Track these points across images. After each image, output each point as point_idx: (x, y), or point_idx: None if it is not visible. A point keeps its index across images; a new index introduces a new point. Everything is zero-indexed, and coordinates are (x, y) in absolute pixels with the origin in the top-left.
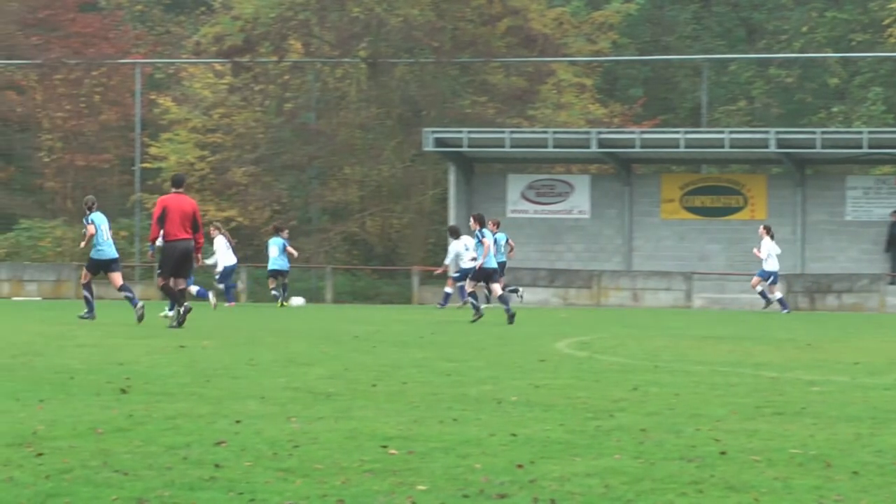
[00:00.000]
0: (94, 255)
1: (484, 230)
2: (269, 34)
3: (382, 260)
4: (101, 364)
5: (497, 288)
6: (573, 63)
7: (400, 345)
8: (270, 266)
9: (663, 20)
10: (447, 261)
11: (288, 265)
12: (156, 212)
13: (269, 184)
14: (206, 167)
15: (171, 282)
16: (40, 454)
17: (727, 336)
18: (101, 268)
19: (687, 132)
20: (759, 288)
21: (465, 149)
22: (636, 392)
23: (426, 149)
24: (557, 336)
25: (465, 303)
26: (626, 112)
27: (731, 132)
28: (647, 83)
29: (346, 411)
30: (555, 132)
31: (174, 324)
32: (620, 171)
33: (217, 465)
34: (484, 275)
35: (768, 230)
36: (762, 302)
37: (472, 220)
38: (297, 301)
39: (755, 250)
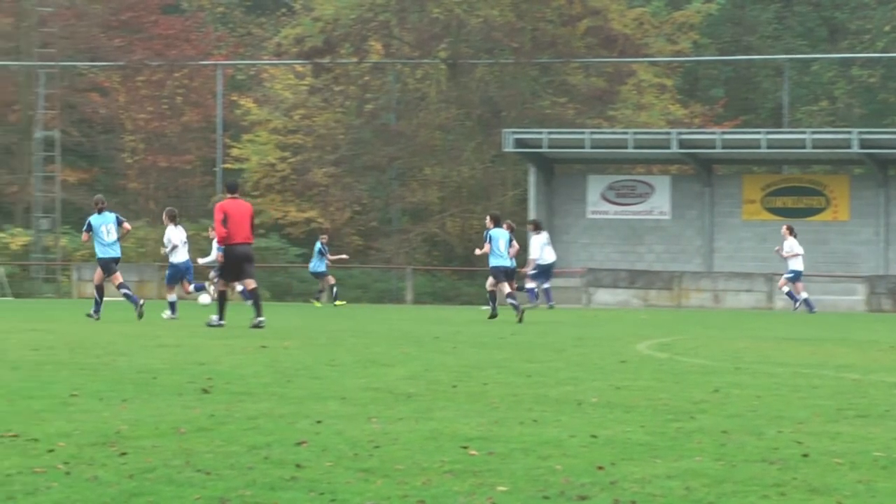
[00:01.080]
0: (101, 254)
1: (498, 229)
2: (349, 35)
3: (462, 261)
4: (184, 364)
5: (506, 287)
6: (654, 63)
7: (480, 346)
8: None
9: (745, 20)
10: (532, 256)
11: (325, 267)
12: (218, 217)
13: (350, 185)
14: (286, 168)
15: (238, 285)
16: (124, 453)
17: (809, 338)
18: (107, 267)
19: (768, 133)
20: (785, 289)
21: (545, 150)
22: (717, 394)
23: (506, 150)
24: (638, 337)
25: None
26: (707, 112)
27: (813, 133)
28: (729, 83)
29: (427, 412)
30: (635, 133)
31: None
32: (701, 171)
33: (298, 465)
34: (501, 274)
35: (791, 230)
36: (809, 305)
37: (488, 218)
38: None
39: (777, 249)
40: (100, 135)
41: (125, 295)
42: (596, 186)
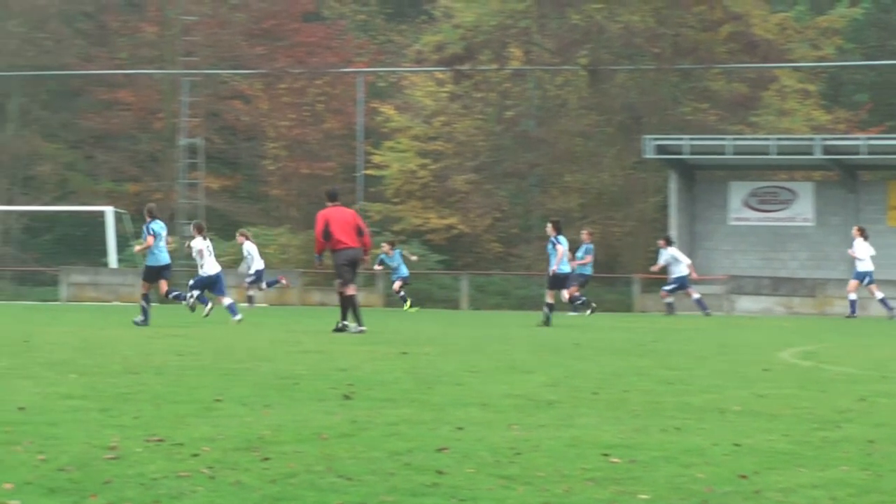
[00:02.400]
0: (150, 262)
1: (560, 237)
2: (489, 42)
3: (603, 267)
4: (326, 370)
5: (566, 294)
6: (797, 69)
7: (621, 353)
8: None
9: (890, 24)
10: (660, 264)
11: (407, 272)
12: (318, 226)
13: (490, 191)
14: (427, 175)
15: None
16: (267, 458)
17: None
18: (157, 274)
19: None
20: (878, 294)
21: (686, 156)
22: (863, 403)
23: (647, 156)
24: (781, 345)
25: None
26: (852, 118)
27: None
28: (874, 88)
29: (568, 419)
30: (778, 139)
31: (340, 327)
32: (845, 178)
33: (439, 472)
34: (557, 281)
35: (861, 231)
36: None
37: (549, 225)
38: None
39: (850, 252)
40: (242, 142)
41: (175, 297)
42: (738, 193)
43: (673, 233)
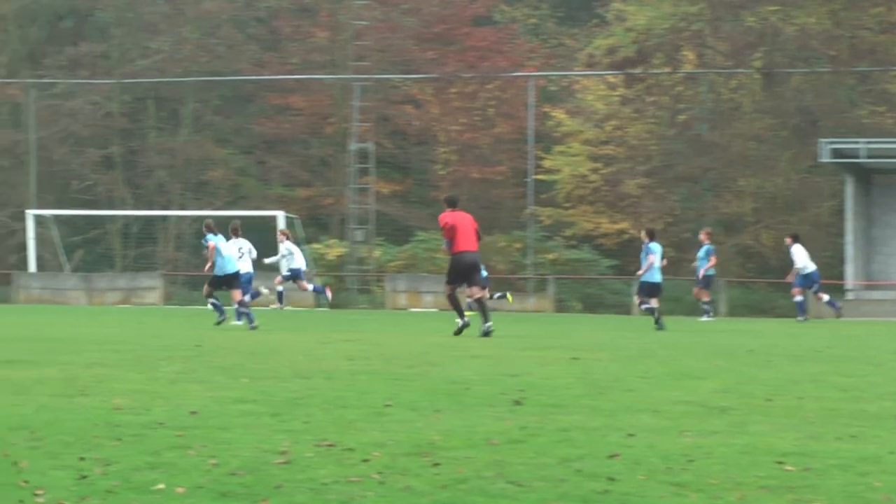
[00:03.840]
0: (216, 271)
1: (652, 244)
2: (662, 45)
3: (778, 273)
4: (495, 375)
5: (654, 301)
6: None
7: (795, 359)
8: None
9: None
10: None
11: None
12: (444, 227)
13: (662, 196)
14: (598, 179)
15: (469, 290)
16: (437, 464)
17: None
18: (223, 283)
19: None
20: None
21: (862, 160)
22: None
23: (822, 160)
24: None
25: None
26: None
27: None
28: None
29: (741, 426)
30: None
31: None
32: None
33: (610, 479)
34: (649, 289)
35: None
36: None
37: (643, 232)
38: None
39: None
40: (413, 146)
41: (241, 313)
42: None
43: (849, 237)
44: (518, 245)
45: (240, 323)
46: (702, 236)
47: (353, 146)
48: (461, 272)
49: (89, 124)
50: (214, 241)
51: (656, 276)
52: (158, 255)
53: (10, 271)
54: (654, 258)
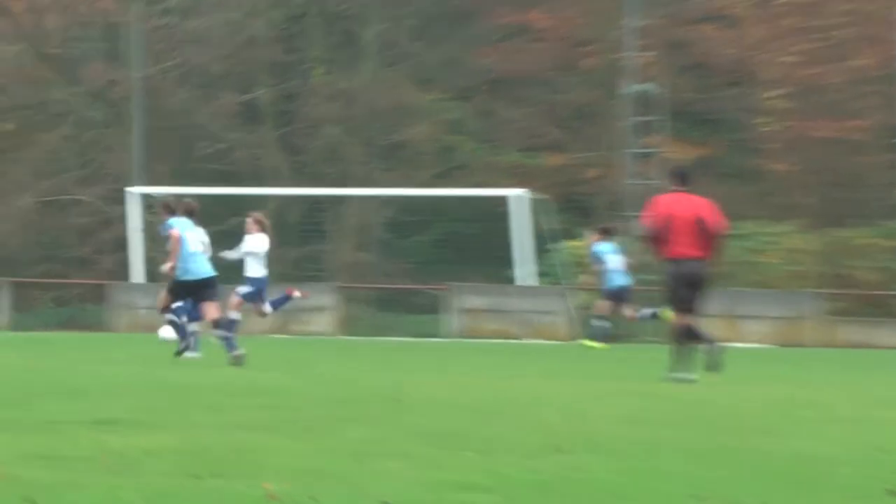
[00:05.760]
0: (179, 274)
1: None
2: None
3: None
4: (862, 449)
5: None
6: None
7: None
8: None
9: None
10: None
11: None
12: (653, 218)
13: None
14: None
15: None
16: None
17: None
18: (187, 292)
19: None
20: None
21: None
22: None
23: None
24: None
25: None
26: None
27: None
28: None
29: None
30: None
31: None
32: None
33: None
34: None
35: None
36: None
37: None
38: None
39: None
40: (721, 89)
41: (221, 337)
42: None
43: None
44: (891, 243)
45: (194, 355)
46: None
47: (629, 88)
48: (680, 288)
49: (223, 55)
50: (176, 227)
51: None
52: (330, 258)
53: (104, 282)
54: None
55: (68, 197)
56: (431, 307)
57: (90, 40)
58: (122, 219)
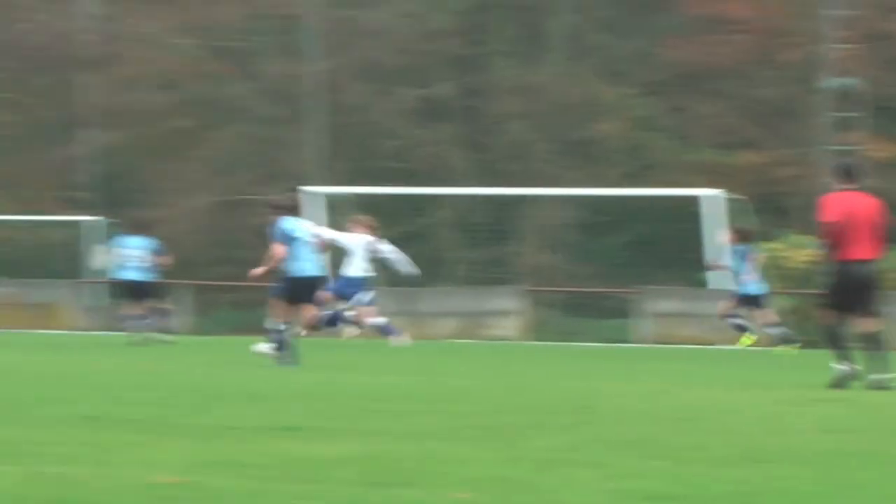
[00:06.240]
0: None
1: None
2: None
3: None
4: None
5: None
6: None
7: None
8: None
9: None
10: None
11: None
12: (828, 223)
13: None
14: None
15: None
16: None
17: None
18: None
19: None
20: None
21: None
22: None
23: None
24: None
25: None
26: None
27: None
28: None
29: None
30: None
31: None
32: None
33: None
34: None
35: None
36: None
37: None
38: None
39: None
40: None
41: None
42: None
43: None
44: None
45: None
46: None
47: (828, 83)
48: (850, 291)
49: (401, 49)
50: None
51: None
52: (517, 261)
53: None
54: None
55: (247, 197)
56: (621, 311)
57: (266, 34)
58: None
